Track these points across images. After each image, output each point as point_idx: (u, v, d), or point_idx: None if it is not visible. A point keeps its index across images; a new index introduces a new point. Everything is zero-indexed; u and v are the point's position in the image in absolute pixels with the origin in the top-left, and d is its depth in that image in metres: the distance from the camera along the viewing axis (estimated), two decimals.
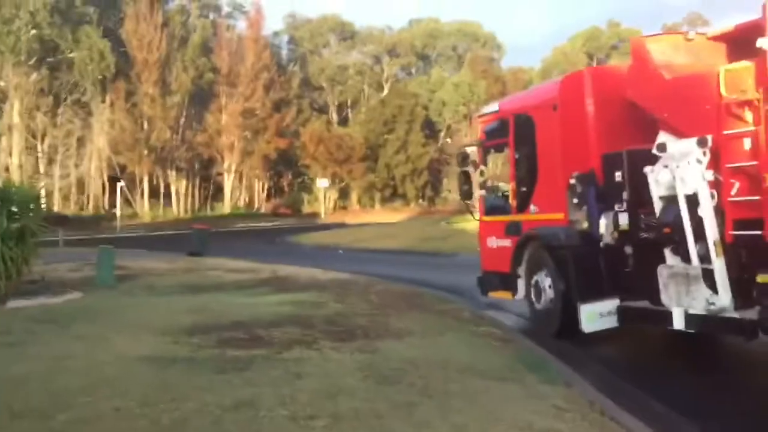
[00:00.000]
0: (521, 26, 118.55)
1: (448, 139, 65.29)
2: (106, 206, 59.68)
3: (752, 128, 6.57)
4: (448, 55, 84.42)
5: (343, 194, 72.67)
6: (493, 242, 10.15)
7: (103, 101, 60.03)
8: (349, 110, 78.63)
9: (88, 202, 61.19)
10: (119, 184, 52.73)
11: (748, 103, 6.62)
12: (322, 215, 63.19)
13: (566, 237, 8.58)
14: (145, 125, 60.63)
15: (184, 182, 63.54)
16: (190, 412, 5.15)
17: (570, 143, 8.78)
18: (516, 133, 9.66)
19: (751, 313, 6.67)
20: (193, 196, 65.19)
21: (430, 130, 73.75)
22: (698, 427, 5.46)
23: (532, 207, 9.38)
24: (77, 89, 59.34)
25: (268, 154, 65.22)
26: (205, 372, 6.36)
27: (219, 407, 5.23)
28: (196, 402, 5.36)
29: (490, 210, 10.44)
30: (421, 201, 71.78)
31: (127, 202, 59.00)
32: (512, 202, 9.77)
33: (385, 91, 76.24)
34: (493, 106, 10.73)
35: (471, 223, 13.30)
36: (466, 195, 10.82)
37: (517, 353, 7.55)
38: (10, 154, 55.45)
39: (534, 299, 9.02)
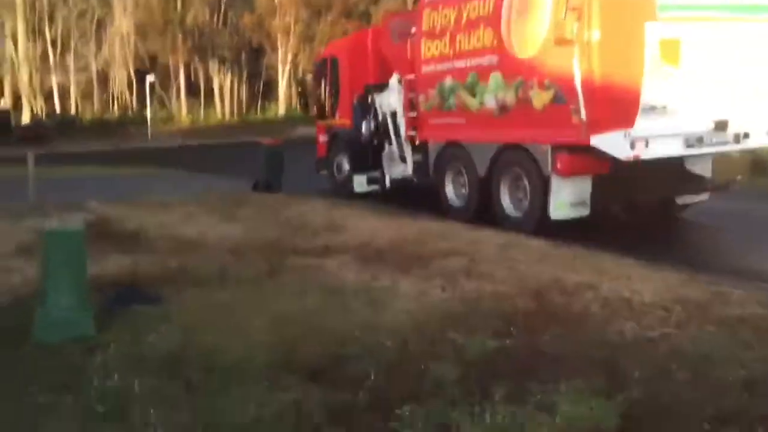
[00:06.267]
0: None
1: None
2: (135, 106, 50.59)
3: (413, 76, 12.53)
4: None
5: None
6: (321, 138, 16.29)
7: None
8: None
9: (112, 102, 52.13)
10: (149, 78, 43.26)
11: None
12: None
13: (349, 135, 14.67)
14: (179, 4, 50.65)
15: (229, 77, 53.76)
16: None
17: (355, 76, 14.70)
18: (330, 68, 15.68)
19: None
20: (239, 95, 55.52)
21: None
22: None
23: (337, 115, 15.50)
24: None
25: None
26: None
27: None
28: None
29: (319, 116, 16.23)
30: None
31: (159, 101, 49.83)
32: (328, 112, 15.85)
33: None
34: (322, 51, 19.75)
35: None
36: (305, 107, 17.78)
37: None
38: (15, 42, 46.25)
39: (336, 173, 15.42)
